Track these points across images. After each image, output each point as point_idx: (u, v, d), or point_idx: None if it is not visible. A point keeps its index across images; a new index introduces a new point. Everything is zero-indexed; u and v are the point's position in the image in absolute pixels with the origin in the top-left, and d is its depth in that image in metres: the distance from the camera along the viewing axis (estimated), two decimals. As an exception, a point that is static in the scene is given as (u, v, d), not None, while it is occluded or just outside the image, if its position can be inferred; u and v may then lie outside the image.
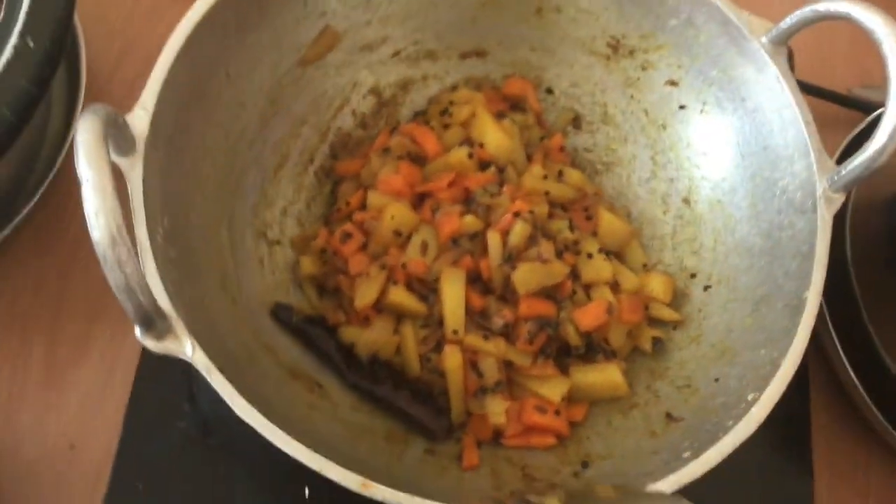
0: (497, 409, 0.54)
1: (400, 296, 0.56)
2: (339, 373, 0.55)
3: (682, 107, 0.63)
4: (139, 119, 0.48)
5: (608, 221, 0.61)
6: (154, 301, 0.42)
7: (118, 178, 0.46)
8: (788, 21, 0.55)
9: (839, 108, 0.78)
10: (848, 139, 0.71)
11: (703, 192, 0.62)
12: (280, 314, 0.56)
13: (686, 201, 0.63)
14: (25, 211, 0.59)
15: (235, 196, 0.58)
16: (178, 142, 0.52)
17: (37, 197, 0.59)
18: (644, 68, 0.64)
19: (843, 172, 0.52)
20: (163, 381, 0.57)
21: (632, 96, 0.66)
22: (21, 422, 0.58)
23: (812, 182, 0.53)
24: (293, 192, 0.62)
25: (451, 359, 0.54)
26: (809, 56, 0.80)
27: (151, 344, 0.43)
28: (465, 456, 0.54)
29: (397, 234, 0.57)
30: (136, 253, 0.45)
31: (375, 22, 0.63)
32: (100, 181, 0.39)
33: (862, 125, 0.69)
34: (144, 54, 0.69)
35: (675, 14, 0.60)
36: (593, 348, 0.57)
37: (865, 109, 0.73)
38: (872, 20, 0.51)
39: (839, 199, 0.53)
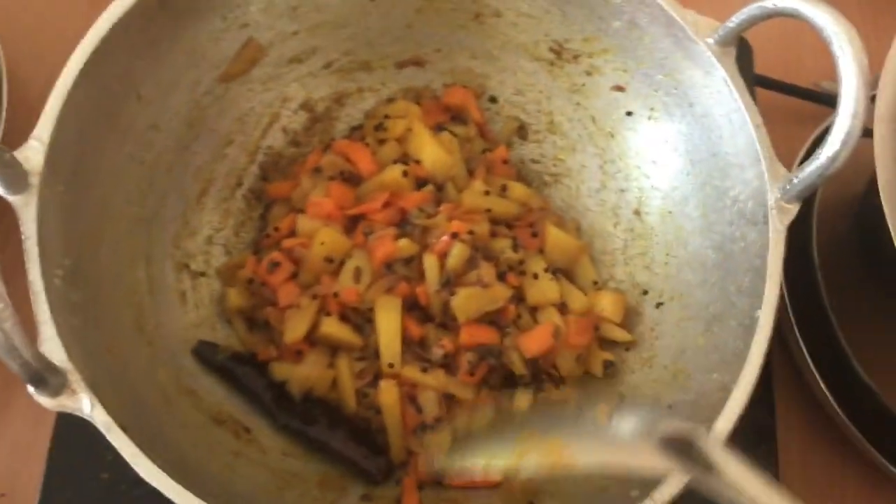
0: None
1: (332, 327, 0.52)
2: (270, 414, 0.52)
3: (629, 113, 0.60)
4: (33, 152, 0.44)
5: (555, 237, 0.58)
6: (42, 358, 0.38)
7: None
8: (735, 20, 0.52)
9: (807, 104, 0.75)
10: (813, 136, 0.68)
11: (653, 202, 0.59)
12: (203, 352, 0.53)
13: (637, 213, 0.60)
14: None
15: (153, 227, 0.54)
16: (83, 173, 0.48)
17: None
18: (589, 73, 0.61)
19: (795, 181, 0.49)
20: (87, 428, 0.54)
21: (578, 103, 0.62)
22: None
23: (763, 191, 0.50)
24: (219, 219, 0.58)
25: (387, 394, 0.51)
26: (775, 50, 0.77)
27: (45, 401, 0.40)
28: (405, 501, 0.51)
29: (329, 261, 0.54)
30: (31, 299, 0.42)
31: (303, 32, 0.59)
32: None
33: (828, 122, 0.66)
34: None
35: (617, 15, 0.57)
36: (540, 376, 0.54)
37: (833, 104, 0.70)
38: (821, 17, 0.47)
39: (793, 209, 0.50)
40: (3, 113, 0.60)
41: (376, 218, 0.55)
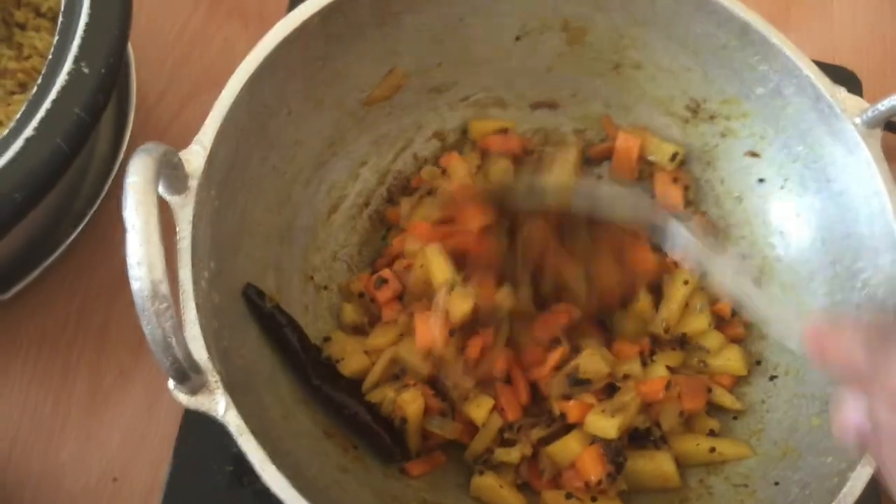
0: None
1: (406, 352, 0.53)
2: (303, 372, 0.52)
3: (761, 180, 0.60)
4: (195, 156, 0.46)
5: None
6: (190, 356, 0.40)
7: (167, 214, 0.45)
8: (887, 103, 0.51)
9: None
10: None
11: (777, 273, 0.59)
12: (252, 296, 0.51)
13: (758, 282, 0.60)
14: (71, 237, 0.57)
15: (285, 238, 0.56)
16: (232, 181, 0.50)
17: (83, 223, 0.58)
18: (724, 135, 0.61)
19: (934, 276, 0.48)
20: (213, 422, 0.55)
21: (708, 163, 0.62)
22: (64, 453, 0.57)
23: (898, 280, 0.50)
24: (345, 236, 0.60)
25: (413, 404, 0.52)
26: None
27: (184, 398, 0.42)
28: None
29: (428, 284, 0.54)
30: (179, 299, 0.43)
31: (446, 65, 0.61)
32: (145, 230, 0.37)
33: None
34: (194, 76, 0.67)
35: (762, 82, 0.57)
36: (640, 434, 0.54)
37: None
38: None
39: (927, 302, 0.49)
40: (132, 113, 0.63)
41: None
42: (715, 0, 0.55)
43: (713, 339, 0.56)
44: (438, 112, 0.63)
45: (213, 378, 0.42)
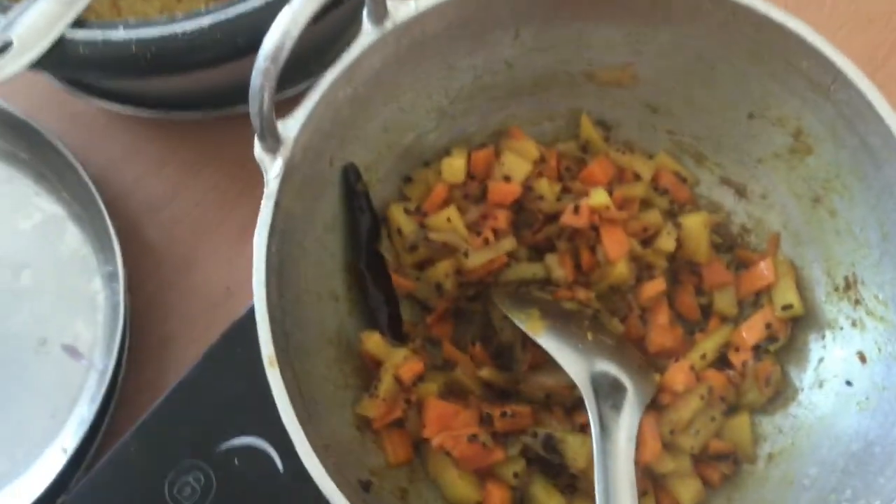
0: None
1: None
2: (357, 252, 0.58)
3: (849, 383, 0.56)
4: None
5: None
6: (271, 119, 0.49)
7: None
8: None
9: None
10: None
11: (791, 460, 0.56)
12: (350, 173, 0.58)
13: (770, 457, 0.57)
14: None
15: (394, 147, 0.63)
16: (384, 82, 0.57)
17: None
18: (854, 325, 0.57)
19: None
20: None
21: (822, 337, 0.59)
22: (203, 259, 0.69)
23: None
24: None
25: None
26: None
27: (257, 149, 0.51)
28: None
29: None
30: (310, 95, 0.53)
31: (676, 94, 0.62)
32: (292, 22, 0.46)
33: None
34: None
35: (915, 300, 0.53)
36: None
37: None
38: None
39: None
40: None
41: None
42: (929, 201, 0.52)
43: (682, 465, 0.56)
44: (642, 129, 0.65)
45: (285, 151, 0.51)
